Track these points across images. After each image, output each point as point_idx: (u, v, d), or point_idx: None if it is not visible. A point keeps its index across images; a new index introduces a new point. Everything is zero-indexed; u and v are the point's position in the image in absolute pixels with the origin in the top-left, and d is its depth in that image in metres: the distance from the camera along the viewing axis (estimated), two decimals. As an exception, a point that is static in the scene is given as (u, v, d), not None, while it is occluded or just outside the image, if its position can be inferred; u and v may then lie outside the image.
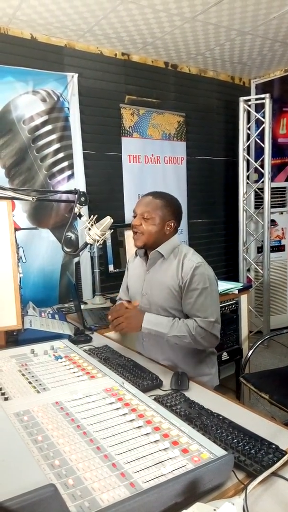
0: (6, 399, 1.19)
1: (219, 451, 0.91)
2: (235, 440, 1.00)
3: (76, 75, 3.11)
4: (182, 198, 3.93)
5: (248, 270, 4.24)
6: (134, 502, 0.74)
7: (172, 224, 1.69)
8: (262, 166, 3.92)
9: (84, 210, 2.94)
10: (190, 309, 1.61)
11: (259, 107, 3.98)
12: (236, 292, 2.70)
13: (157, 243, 1.69)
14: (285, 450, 0.97)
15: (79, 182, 3.16)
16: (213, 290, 1.63)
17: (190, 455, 0.90)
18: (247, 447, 0.97)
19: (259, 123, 3.98)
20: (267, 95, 3.82)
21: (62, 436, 0.98)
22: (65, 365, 1.46)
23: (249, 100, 4.00)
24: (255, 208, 4.13)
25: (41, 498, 0.69)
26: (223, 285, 2.75)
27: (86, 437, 0.98)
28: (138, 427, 1.02)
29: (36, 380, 1.33)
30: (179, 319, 1.61)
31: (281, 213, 4.25)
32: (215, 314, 1.60)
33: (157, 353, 1.72)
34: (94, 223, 1.81)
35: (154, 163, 3.73)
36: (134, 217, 1.70)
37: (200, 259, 1.66)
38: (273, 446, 0.97)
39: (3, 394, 1.22)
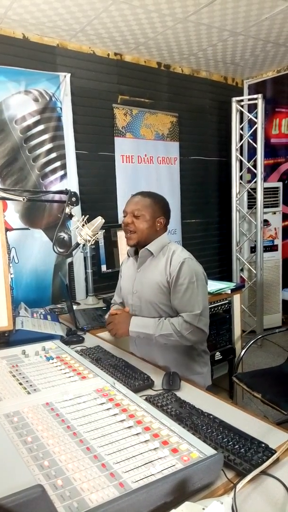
0: (-4, 400, 1.18)
1: (209, 450, 0.91)
2: (225, 439, 1.00)
3: (68, 75, 3.10)
4: (176, 198, 3.94)
5: (241, 270, 4.26)
6: (123, 502, 0.74)
7: (162, 221, 1.73)
8: (255, 166, 3.93)
9: (77, 210, 2.94)
10: (178, 304, 1.63)
11: (252, 108, 3.99)
12: (229, 292, 2.71)
13: (149, 240, 1.72)
14: (275, 449, 0.97)
15: (72, 182, 3.15)
16: (200, 284, 1.64)
17: (180, 455, 0.90)
18: (237, 446, 0.97)
19: (251, 123, 3.99)
20: (260, 95, 3.84)
21: (52, 437, 0.98)
22: (56, 366, 1.45)
23: (242, 100, 4.02)
24: (248, 208, 4.14)
25: (28, 499, 0.69)
26: (216, 285, 2.76)
27: (76, 438, 0.98)
28: (129, 427, 1.02)
29: (27, 381, 1.32)
30: (165, 318, 1.63)
31: (274, 213, 4.26)
32: (201, 307, 1.61)
33: (150, 352, 1.74)
34: (85, 223, 1.81)
35: (147, 163, 3.73)
36: (125, 217, 1.73)
37: (188, 255, 1.69)
38: (263, 445, 0.98)
39: (-7, 395, 1.21)
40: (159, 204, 1.73)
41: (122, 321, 1.69)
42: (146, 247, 1.72)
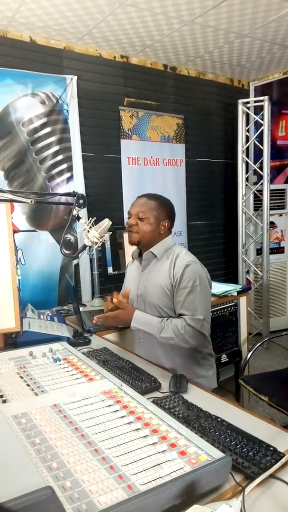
0: (4, 401, 1.19)
1: (217, 454, 0.91)
2: (233, 442, 0.99)
3: (75, 78, 3.11)
4: (181, 200, 3.94)
5: (248, 272, 4.24)
6: (132, 504, 0.74)
7: (166, 224, 1.74)
8: (261, 168, 3.92)
9: (83, 212, 2.96)
10: (180, 307, 1.63)
11: (258, 110, 3.99)
12: (235, 294, 2.70)
13: (151, 243, 1.73)
14: (283, 453, 0.96)
15: (78, 184, 3.16)
16: (203, 288, 1.63)
17: (188, 458, 0.90)
18: (245, 449, 0.97)
19: (258, 125, 3.99)
20: (266, 97, 3.83)
21: (60, 439, 0.98)
22: (63, 368, 1.46)
23: (248, 102, 4.01)
24: (254, 210, 4.13)
25: (38, 500, 0.69)
26: (222, 287, 2.75)
27: (84, 440, 0.98)
28: (136, 429, 1.02)
29: (35, 383, 1.32)
30: (167, 319, 1.63)
31: (280, 215, 4.25)
32: (204, 312, 1.61)
33: (154, 353, 1.74)
34: (93, 225, 1.81)
35: (153, 165, 3.74)
36: (129, 218, 1.75)
37: (192, 258, 1.68)
38: (271, 448, 0.97)
39: (1, 396, 1.22)
40: (164, 207, 1.74)
41: (124, 315, 1.68)
42: (150, 249, 1.72)
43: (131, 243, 1.76)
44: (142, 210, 1.70)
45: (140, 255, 1.81)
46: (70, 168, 3.14)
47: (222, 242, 4.40)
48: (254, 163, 4.04)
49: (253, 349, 2.43)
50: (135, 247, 1.84)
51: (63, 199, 2.67)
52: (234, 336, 2.79)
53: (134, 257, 1.87)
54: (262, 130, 3.88)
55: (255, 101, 3.99)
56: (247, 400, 2.77)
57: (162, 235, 1.74)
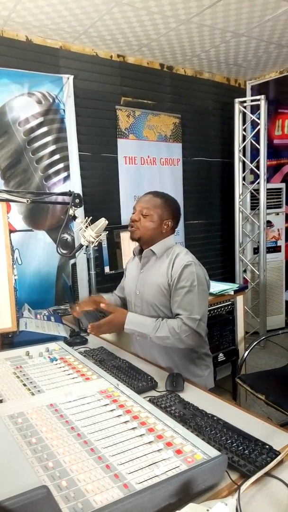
0: (0, 401, 1.19)
1: (213, 452, 0.91)
2: (229, 441, 1.00)
3: (71, 77, 3.11)
4: (178, 199, 3.87)
5: (245, 271, 4.25)
6: (127, 503, 0.74)
7: (169, 224, 1.72)
8: (257, 167, 3.93)
9: (80, 211, 2.95)
10: (177, 307, 1.62)
11: (255, 109, 3.99)
12: (232, 293, 2.70)
13: (152, 240, 1.71)
14: (279, 451, 0.97)
15: (75, 184, 3.16)
16: (201, 289, 1.62)
17: (184, 456, 0.90)
18: (241, 447, 0.97)
19: (254, 124, 3.99)
20: (263, 96, 3.83)
21: (56, 438, 0.98)
22: (60, 367, 1.46)
23: (245, 101, 4.01)
24: (251, 209, 4.13)
25: (33, 500, 0.69)
26: (219, 286, 2.76)
27: (80, 439, 0.98)
28: (132, 428, 1.02)
29: (31, 383, 1.32)
30: (162, 319, 1.62)
31: (277, 214, 4.26)
32: (201, 312, 1.60)
33: (150, 352, 1.74)
34: (89, 225, 1.81)
35: (150, 165, 3.74)
36: (133, 213, 1.73)
37: (192, 258, 1.67)
38: (267, 446, 0.98)
39: (-3, 396, 1.22)
40: (169, 207, 1.72)
41: (117, 318, 1.63)
42: (150, 247, 1.71)
43: (132, 238, 1.75)
44: (147, 206, 1.69)
45: (141, 252, 1.80)
46: (66, 168, 3.14)
47: (219, 241, 4.41)
48: (251, 162, 4.05)
49: (250, 348, 2.43)
50: (136, 245, 1.83)
51: (59, 198, 2.67)
52: (231, 335, 2.79)
53: (135, 253, 1.85)
54: (259, 129, 3.88)
55: (252, 100, 3.99)
56: (244, 399, 2.77)
57: (164, 234, 1.72)
